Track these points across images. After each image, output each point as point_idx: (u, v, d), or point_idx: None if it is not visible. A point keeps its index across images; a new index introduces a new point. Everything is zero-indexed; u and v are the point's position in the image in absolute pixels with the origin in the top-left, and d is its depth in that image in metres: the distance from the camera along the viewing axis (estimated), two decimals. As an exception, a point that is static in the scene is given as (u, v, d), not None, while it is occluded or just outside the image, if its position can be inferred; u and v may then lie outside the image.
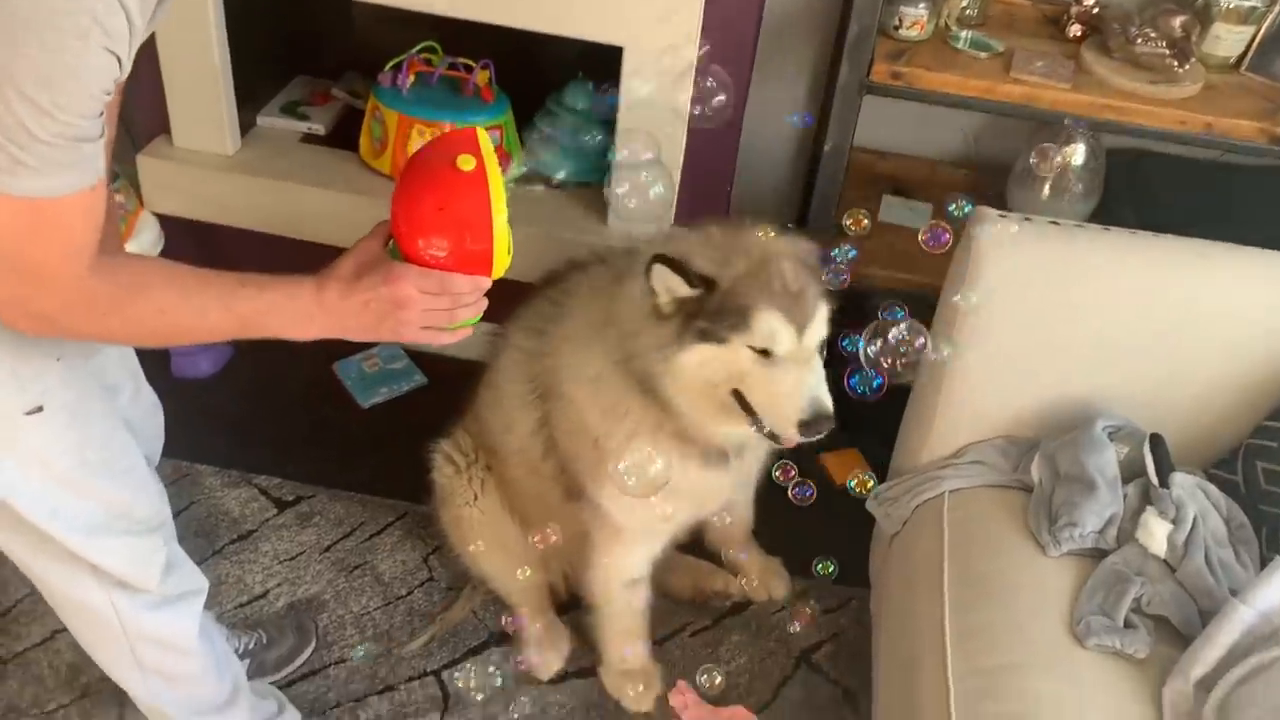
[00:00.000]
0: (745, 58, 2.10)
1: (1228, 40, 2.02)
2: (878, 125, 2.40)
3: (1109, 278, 1.66)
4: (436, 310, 1.17)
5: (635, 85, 2.03)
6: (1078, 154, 2.19)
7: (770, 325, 1.42)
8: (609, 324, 1.56)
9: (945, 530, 1.66)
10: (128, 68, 1.00)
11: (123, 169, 2.31)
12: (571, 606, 1.98)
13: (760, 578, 2.08)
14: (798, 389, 1.43)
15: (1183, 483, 1.57)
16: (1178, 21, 1.97)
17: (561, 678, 1.91)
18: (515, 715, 1.83)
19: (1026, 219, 1.72)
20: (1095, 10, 2.07)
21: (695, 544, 2.07)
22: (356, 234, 2.46)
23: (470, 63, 2.24)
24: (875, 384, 1.48)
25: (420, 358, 2.49)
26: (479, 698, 1.82)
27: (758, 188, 2.52)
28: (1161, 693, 1.39)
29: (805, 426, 1.44)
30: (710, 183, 2.21)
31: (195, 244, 2.49)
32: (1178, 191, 2.22)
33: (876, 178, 2.42)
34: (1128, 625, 1.46)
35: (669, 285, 1.43)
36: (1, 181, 0.96)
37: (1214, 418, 1.71)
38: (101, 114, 1.00)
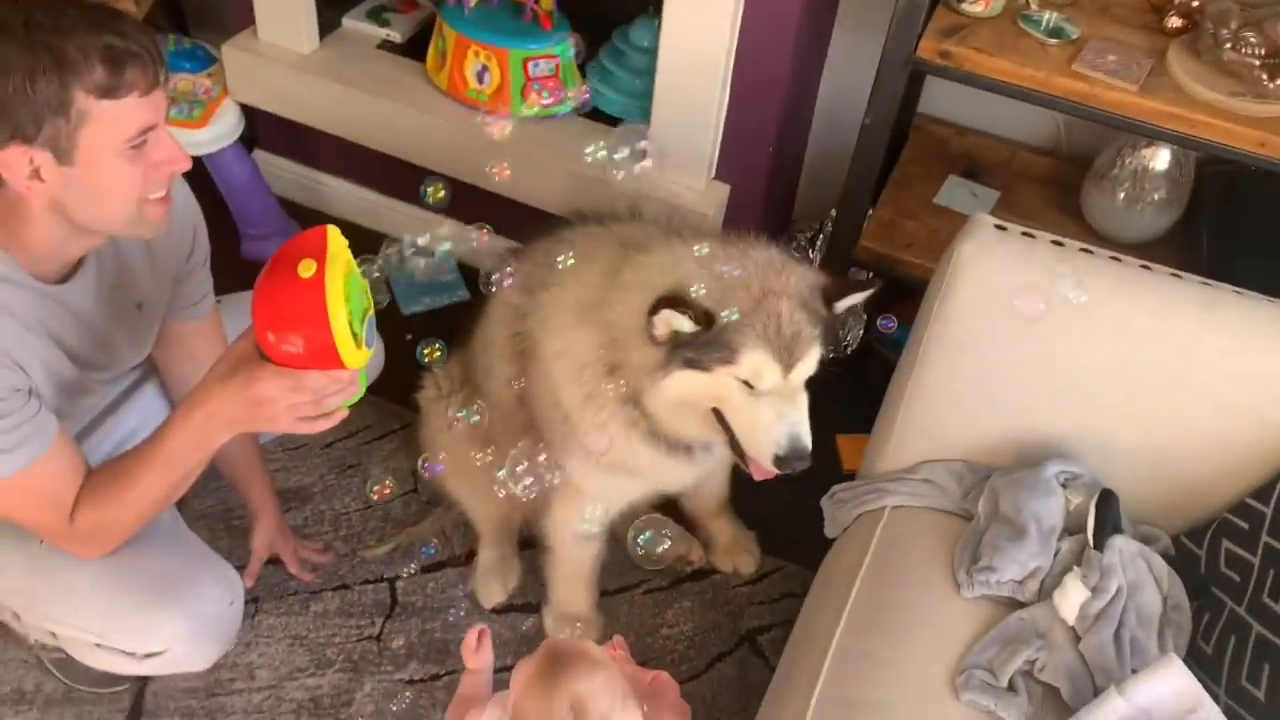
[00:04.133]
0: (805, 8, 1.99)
1: (1348, 56, 1.75)
2: (961, 98, 2.23)
3: (1099, 313, 1.51)
4: (301, 403, 1.27)
5: (676, 19, 1.97)
6: (1160, 159, 1.98)
7: (757, 364, 1.42)
8: (599, 319, 1.55)
9: (872, 547, 1.59)
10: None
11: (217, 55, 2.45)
12: (532, 544, 2.02)
13: (729, 550, 2.06)
14: (779, 423, 1.45)
15: (1123, 548, 1.44)
16: (1286, 27, 1.72)
17: (504, 609, 1.97)
18: (449, 636, 1.91)
19: (1026, 233, 1.59)
20: (1196, 3, 1.83)
21: (671, 505, 2.06)
22: (410, 146, 2.50)
23: (535, -14, 2.23)
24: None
25: (470, 271, 2.55)
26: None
27: (833, 151, 2.40)
28: (1023, 766, 1.32)
29: (781, 461, 1.45)
30: (751, 141, 2.13)
31: (283, 138, 2.62)
32: (1276, 217, 1.97)
33: (949, 156, 2.26)
34: (1012, 688, 1.37)
35: (671, 323, 1.43)
36: None
37: (1195, 482, 1.55)
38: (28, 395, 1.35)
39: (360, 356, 1.24)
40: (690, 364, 1.43)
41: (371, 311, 1.28)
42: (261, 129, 2.64)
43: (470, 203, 2.38)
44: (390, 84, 2.32)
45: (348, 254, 1.23)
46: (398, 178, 2.52)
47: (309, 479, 2.13)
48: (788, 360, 1.43)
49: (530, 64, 2.20)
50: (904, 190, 2.17)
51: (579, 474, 1.67)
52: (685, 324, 1.40)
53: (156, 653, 1.55)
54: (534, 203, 2.23)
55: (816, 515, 1.77)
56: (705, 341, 1.41)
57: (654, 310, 1.41)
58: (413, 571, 1.99)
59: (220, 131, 2.39)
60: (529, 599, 1.99)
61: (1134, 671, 1.34)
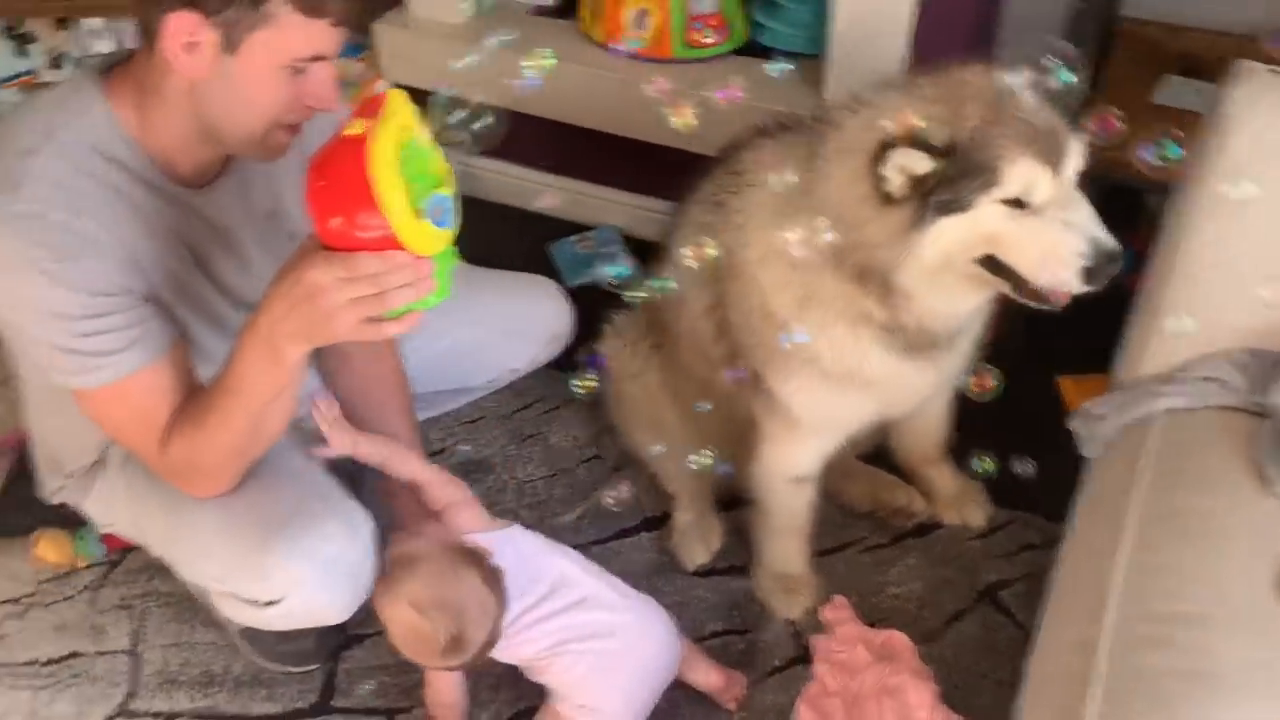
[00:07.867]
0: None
1: None
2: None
3: None
4: (361, 298, 1.09)
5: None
6: None
7: (1025, 172, 1.23)
8: (804, 207, 1.38)
9: (1149, 455, 1.37)
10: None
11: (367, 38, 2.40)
12: (733, 504, 1.85)
13: (954, 502, 1.84)
14: (1072, 233, 1.24)
15: None
16: None
17: (708, 573, 1.79)
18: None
19: (1311, 76, 1.36)
20: None
21: (878, 456, 1.87)
22: (571, 106, 2.40)
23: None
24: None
25: (632, 242, 2.42)
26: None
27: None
28: (1396, 678, 1.07)
29: (1091, 273, 1.24)
30: (948, 48, 1.94)
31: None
32: None
33: (1161, 57, 2.02)
34: (1365, 589, 1.13)
35: (905, 166, 1.25)
36: (84, 380, 1.27)
37: None
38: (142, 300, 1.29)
39: (424, 235, 1.06)
40: (947, 208, 1.24)
41: (447, 190, 1.10)
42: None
43: (630, 161, 2.28)
44: (538, 44, 2.22)
45: (409, 118, 1.08)
46: (556, 149, 2.43)
47: (489, 450, 2.01)
48: (1055, 158, 1.24)
49: (691, 0, 2.08)
50: (1114, 93, 1.95)
51: (800, 395, 1.49)
52: (923, 161, 1.22)
53: (275, 600, 1.42)
54: (705, 151, 2.10)
55: (1045, 463, 1.53)
56: (955, 175, 1.22)
57: (878, 159, 1.23)
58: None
59: (374, 113, 2.33)
60: (734, 561, 1.81)
61: None
